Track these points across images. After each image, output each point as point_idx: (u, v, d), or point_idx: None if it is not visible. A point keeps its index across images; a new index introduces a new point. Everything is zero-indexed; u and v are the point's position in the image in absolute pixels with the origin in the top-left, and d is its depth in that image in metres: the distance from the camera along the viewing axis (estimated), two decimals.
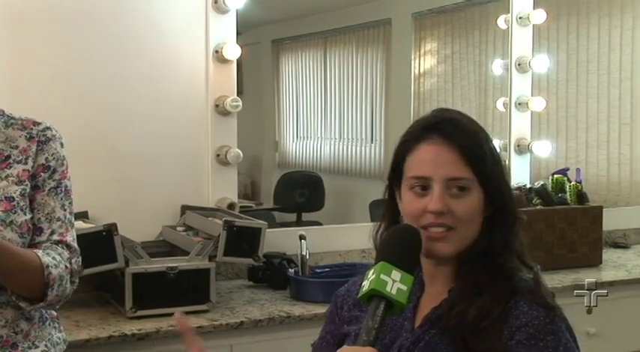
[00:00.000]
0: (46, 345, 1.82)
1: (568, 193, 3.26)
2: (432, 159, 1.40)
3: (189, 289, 2.51)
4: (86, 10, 2.77)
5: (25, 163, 1.78)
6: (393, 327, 1.48)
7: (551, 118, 4.43)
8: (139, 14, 2.85)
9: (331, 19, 6.42)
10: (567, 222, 3.17)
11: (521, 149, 3.53)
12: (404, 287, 1.26)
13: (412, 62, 5.65)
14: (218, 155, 2.94)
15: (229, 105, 2.87)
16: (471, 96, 4.81)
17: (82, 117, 2.77)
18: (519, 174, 3.51)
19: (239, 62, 7.57)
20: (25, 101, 2.62)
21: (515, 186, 3.29)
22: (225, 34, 2.91)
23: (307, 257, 2.78)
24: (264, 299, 2.72)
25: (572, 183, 3.29)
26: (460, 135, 1.41)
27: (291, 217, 5.96)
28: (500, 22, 3.59)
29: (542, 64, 3.50)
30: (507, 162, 3.50)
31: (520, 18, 3.47)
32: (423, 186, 1.40)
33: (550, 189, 3.28)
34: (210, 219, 2.72)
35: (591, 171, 4.16)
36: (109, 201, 2.80)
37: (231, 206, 2.92)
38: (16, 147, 1.79)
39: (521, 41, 3.51)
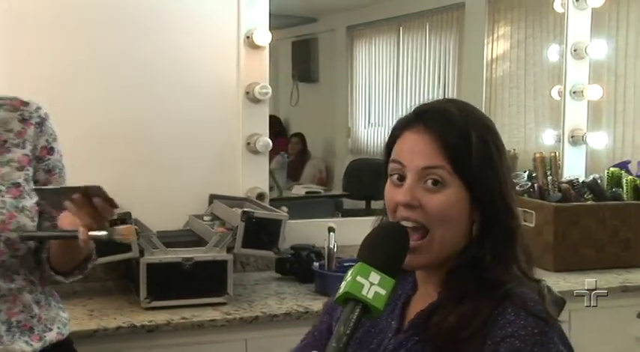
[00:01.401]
0: (58, 327, 1.86)
1: (625, 188, 3.05)
2: (409, 148, 1.31)
3: (206, 281, 2.45)
4: None
5: (24, 147, 1.80)
6: (381, 329, 1.41)
7: (627, 108, 4.19)
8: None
9: (405, 3, 6.32)
10: (620, 218, 2.96)
11: (576, 140, 3.33)
12: (382, 291, 1.17)
13: (485, 47, 5.46)
14: (249, 143, 2.87)
15: (258, 92, 2.80)
16: (544, 82, 4.59)
17: (112, 104, 2.75)
18: (573, 167, 3.32)
19: (315, 50, 7.56)
20: (53, 85, 2.63)
21: (566, 179, 3.11)
22: (256, 19, 2.84)
23: (335, 250, 2.68)
24: (287, 293, 2.64)
25: (630, 176, 3.08)
26: (443, 125, 1.29)
27: (361, 204, 5.89)
28: (557, 5, 3.39)
29: (599, 49, 3.28)
30: (560, 153, 3.31)
31: (577, 0, 3.27)
32: (401, 176, 1.31)
33: (606, 182, 3.08)
34: (234, 209, 2.66)
35: None
36: (137, 189, 2.77)
37: (260, 196, 2.86)
38: (11, 130, 1.79)
39: (579, 25, 3.30)
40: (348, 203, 6.02)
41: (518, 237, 1.32)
